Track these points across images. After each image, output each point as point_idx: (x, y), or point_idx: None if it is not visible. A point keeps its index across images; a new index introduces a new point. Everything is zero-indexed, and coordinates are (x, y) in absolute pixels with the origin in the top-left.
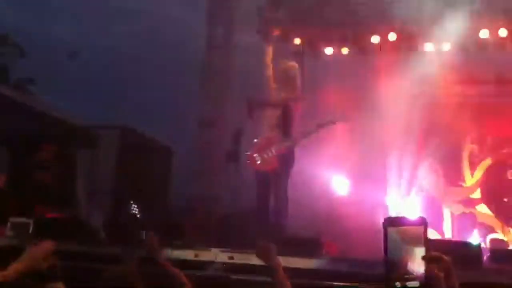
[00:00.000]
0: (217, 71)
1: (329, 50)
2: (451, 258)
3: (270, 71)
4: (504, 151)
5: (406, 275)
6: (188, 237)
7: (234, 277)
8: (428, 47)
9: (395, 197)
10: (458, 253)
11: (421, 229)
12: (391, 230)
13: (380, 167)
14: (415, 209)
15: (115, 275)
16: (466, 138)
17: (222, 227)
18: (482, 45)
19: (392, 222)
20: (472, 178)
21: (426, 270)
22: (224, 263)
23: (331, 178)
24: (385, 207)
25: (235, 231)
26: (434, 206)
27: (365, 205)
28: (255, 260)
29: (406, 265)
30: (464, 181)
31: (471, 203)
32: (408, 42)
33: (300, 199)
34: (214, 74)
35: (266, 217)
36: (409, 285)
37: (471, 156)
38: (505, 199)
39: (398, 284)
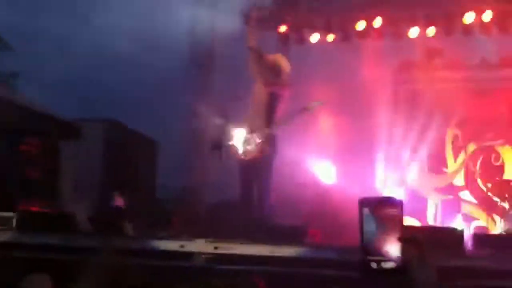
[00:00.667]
0: (201, 60)
1: (314, 37)
2: (433, 244)
3: (256, 60)
4: (488, 135)
5: (381, 256)
6: (173, 228)
7: (219, 267)
8: (413, 32)
9: (381, 184)
10: (441, 238)
11: (396, 210)
12: (367, 211)
13: (365, 154)
14: (400, 196)
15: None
16: (450, 123)
17: (207, 217)
18: (466, 29)
19: (368, 202)
20: (455, 163)
21: (401, 251)
22: (209, 254)
23: (316, 165)
24: (371, 194)
25: (219, 222)
26: (418, 194)
27: (351, 192)
28: (239, 250)
29: (381, 246)
30: (447, 167)
31: (454, 189)
32: (394, 28)
33: (284, 187)
34: (198, 63)
35: (250, 207)
36: (384, 266)
37: (454, 141)
38: (489, 185)
39: (373, 264)
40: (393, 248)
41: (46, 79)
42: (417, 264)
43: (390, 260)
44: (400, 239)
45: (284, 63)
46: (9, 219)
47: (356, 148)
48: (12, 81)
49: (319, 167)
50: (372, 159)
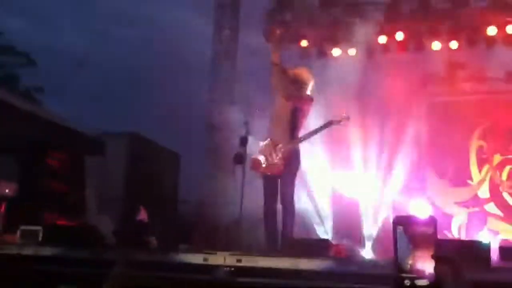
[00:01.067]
0: (223, 74)
1: (336, 51)
2: (460, 257)
3: (278, 74)
4: None
5: (415, 274)
6: (197, 241)
7: (241, 280)
8: (436, 45)
9: (403, 197)
10: (467, 252)
11: (430, 228)
12: (401, 229)
13: (387, 167)
14: (423, 210)
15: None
16: (474, 135)
17: (230, 231)
18: (490, 41)
19: (402, 221)
20: (479, 175)
21: (435, 269)
22: (232, 267)
23: (340, 178)
24: (393, 208)
25: (243, 235)
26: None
27: (373, 205)
28: (262, 263)
29: (415, 263)
30: (471, 178)
31: (480, 202)
32: (416, 41)
33: (308, 200)
34: (220, 77)
35: (273, 220)
36: (418, 283)
37: (478, 152)
38: None
39: (407, 282)
40: (426, 266)
41: (70, 94)
42: (451, 283)
43: (423, 277)
44: (433, 257)
45: (307, 76)
46: (36, 232)
47: (380, 161)
48: (37, 95)
49: (343, 180)
50: (397, 172)
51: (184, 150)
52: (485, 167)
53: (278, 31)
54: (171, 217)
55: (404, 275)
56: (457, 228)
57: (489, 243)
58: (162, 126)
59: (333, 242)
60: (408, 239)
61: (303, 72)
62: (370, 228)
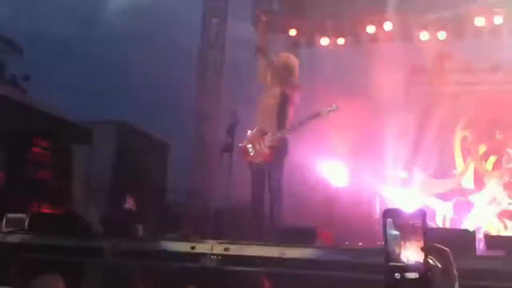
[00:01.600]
0: (212, 65)
1: (325, 41)
2: (446, 246)
3: (265, 61)
4: (498, 137)
5: (405, 267)
6: (184, 230)
7: (229, 268)
8: (424, 35)
9: (391, 187)
10: (452, 241)
11: (419, 220)
12: (390, 222)
13: (376, 157)
14: (412, 200)
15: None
16: (458, 124)
17: (218, 220)
18: (477, 33)
19: (391, 213)
20: (464, 165)
21: (424, 261)
22: (219, 255)
23: (327, 168)
24: (382, 197)
25: (230, 224)
26: (426, 198)
27: (361, 194)
28: (249, 251)
29: (405, 256)
30: (455, 169)
31: (464, 193)
32: (404, 32)
33: (295, 190)
34: (209, 67)
35: (261, 209)
36: (408, 277)
37: (462, 142)
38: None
39: (397, 275)
40: (416, 258)
41: (57, 82)
42: (441, 275)
43: (414, 270)
44: (423, 249)
45: (294, 62)
46: (21, 220)
47: (367, 151)
48: (24, 84)
49: (330, 169)
50: (383, 162)
51: (172, 139)
52: (469, 158)
53: (264, 18)
54: (159, 205)
55: (393, 265)
56: (442, 218)
57: (474, 232)
58: (150, 115)
59: (320, 231)
60: (397, 231)
61: (289, 58)
62: (356, 217)
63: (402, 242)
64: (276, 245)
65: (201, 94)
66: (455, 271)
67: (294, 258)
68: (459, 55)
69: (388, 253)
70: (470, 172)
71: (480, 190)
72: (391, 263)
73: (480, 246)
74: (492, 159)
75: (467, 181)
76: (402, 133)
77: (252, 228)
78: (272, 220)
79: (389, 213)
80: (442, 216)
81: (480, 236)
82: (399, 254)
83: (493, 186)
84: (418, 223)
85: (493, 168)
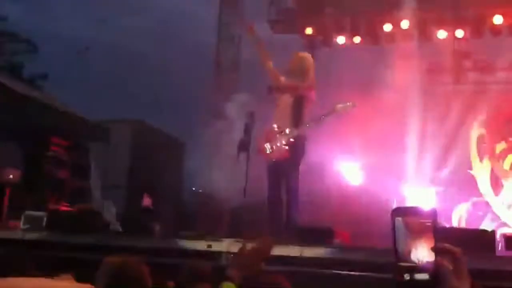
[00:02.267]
0: (228, 63)
1: (341, 39)
2: (464, 246)
3: (273, 68)
4: None
5: (415, 267)
6: (201, 228)
7: None
8: (441, 34)
9: (410, 187)
10: (471, 241)
11: (430, 220)
12: (399, 221)
13: (395, 156)
14: (430, 200)
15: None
16: (475, 123)
17: (234, 218)
18: (495, 31)
19: (400, 212)
20: (480, 164)
21: (435, 262)
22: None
23: (344, 166)
24: (400, 197)
25: (247, 222)
26: (447, 197)
27: (379, 194)
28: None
29: (415, 256)
30: (471, 168)
31: (481, 192)
32: (421, 30)
33: (312, 188)
34: (225, 66)
35: (278, 208)
36: (417, 277)
37: (479, 141)
38: None
39: (407, 276)
40: (426, 258)
41: (74, 81)
42: (452, 276)
43: (424, 271)
44: (434, 249)
45: (310, 62)
46: (40, 218)
47: (384, 150)
48: (41, 82)
49: (347, 168)
50: (401, 161)
51: (188, 137)
52: (486, 157)
53: (252, 31)
54: (175, 204)
55: (403, 265)
56: (457, 219)
57: (494, 231)
58: (166, 114)
59: (337, 230)
60: (407, 231)
61: (305, 57)
62: (374, 217)
63: (412, 242)
64: (294, 244)
65: (217, 92)
66: (467, 272)
67: (312, 257)
68: (477, 53)
69: (398, 253)
70: (487, 172)
71: (497, 190)
72: (401, 263)
73: (499, 247)
74: (510, 158)
75: (483, 182)
76: (419, 131)
77: (269, 227)
78: (289, 219)
79: (398, 212)
80: (458, 216)
81: (500, 235)
82: (409, 254)
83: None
84: (429, 222)
85: (511, 168)
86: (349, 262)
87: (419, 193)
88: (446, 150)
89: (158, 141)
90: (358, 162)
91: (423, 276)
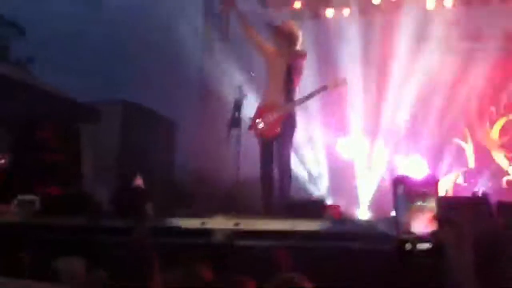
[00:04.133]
0: (217, 39)
1: (330, 12)
2: (463, 215)
3: (270, 33)
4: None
5: (416, 236)
6: (194, 207)
7: (239, 243)
8: (430, 3)
9: (402, 158)
10: (467, 209)
11: (432, 188)
12: (401, 189)
13: (383, 128)
14: (423, 169)
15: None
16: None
17: (227, 196)
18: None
19: (402, 181)
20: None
21: (436, 231)
22: (229, 230)
23: (336, 141)
24: (392, 168)
25: (240, 199)
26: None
27: (369, 166)
28: (260, 225)
29: (416, 226)
30: (464, 139)
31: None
32: (410, 0)
33: (305, 163)
34: (214, 42)
35: (270, 183)
36: (419, 247)
37: (470, 110)
38: None
39: (408, 245)
40: (428, 227)
41: (63, 63)
42: (454, 246)
43: (425, 241)
44: (435, 218)
45: (297, 30)
46: (32, 201)
47: (377, 123)
48: (28, 66)
49: (340, 142)
50: (394, 133)
51: (179, 117)
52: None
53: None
54: (167, 184)
55: (404, 236)
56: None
57: (489, 200)
58: (156, 94)
59: (329, 203)
60: (408, 199)
61: (292, 26)
62: (366, 189)
63: (414, 212)
64: (286, 219)
65: (207, 70)
66: (468, 241)
67: (304, 231)
68: (467, 22)
69: (399, 223)
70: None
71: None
72: (402, 234)
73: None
74: (498, 125)
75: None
76: (412, 102)
77: (262, 202)
78: (281, 194)
79: (400, 181)
80: (445, 187)
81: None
82: (410, 224)
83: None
84: (431, 190)
85: (499, 136)
86: (342, 235)
87: (411, 164)
88: (438, 121)
89: (149, 121)
90: (351, 136)
91: (425, 246)
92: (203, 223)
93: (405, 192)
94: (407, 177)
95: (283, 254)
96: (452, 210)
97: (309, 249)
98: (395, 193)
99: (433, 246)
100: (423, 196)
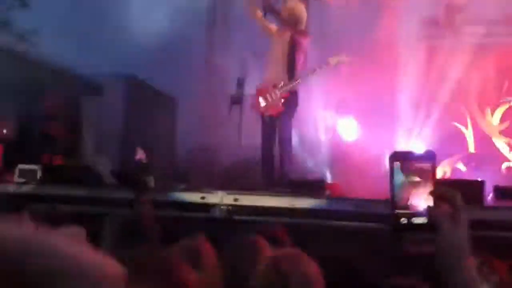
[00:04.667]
0: (220, 18)
1: None
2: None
3: (273, 14)
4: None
5: (412, 211)
6: (195, 182)
7: (238, 218)
8: None
9: (404, 139)
10: (460, 191)
11: (429, 163)
12: (397, 165)
13: (388, 110)
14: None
15: (128, 218)
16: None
17: (227, 171)
18: None
19: (399, 156)
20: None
21: (432, 207)
22: (229, 205)
23: (338, 120)
24: (392, 150)
25: (240, 175)
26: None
27: (372, 147)
28: (259, 202)
29: (412, 201)
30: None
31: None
32: None
33: (305, 141)
34: (217, 20)
35: (271, 160)
36: (415, 221)
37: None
38: None
39: (403, 220)
40: (425, 204)
41: (67, 35)
42: (449, 222)
43: (421, 215)
44: (432, 194)
45: (301, 10)
46: (34, 171)
47: (378, 104)
48: (31, 38)
49: (341, 122)
50: (395, 115)
51: (181, 93)
52: (477, 113)
53: None
54: (169, 159)
55: (400, 211)
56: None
57: (483, 182)
58: (159, 70)
59: (329, 182)
60: (405, 175)
61: (296, 5)
62: (365, 167)
63: (410, 188)
64: (286, 196)
65: (210, 48)
66: (465, 216)
67: (303, 208)
68: (470, 6)
69: (395, 199)
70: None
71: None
72: (398, 210)
73: (489, 197)
74: (499, 112)
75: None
76: (413, 85)
77: (262, 179)
78: (282, 171)
79: (396, 156)
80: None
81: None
82: (406, 200)
83: (500, 143)
84: (428, 165)
85: (500, 122)
86: (340, 213)
87: (411, 146)
88: (443, 105)
89: (151, 97)
90: (352, 116)
91: (421, 220)
92: (203, 198)
93: (401, 168)
94: (403, 152)
95: (281, 230)
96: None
97: (306, 226)
98: (391, 169)
99: (428, 220)
100: (420, 171)
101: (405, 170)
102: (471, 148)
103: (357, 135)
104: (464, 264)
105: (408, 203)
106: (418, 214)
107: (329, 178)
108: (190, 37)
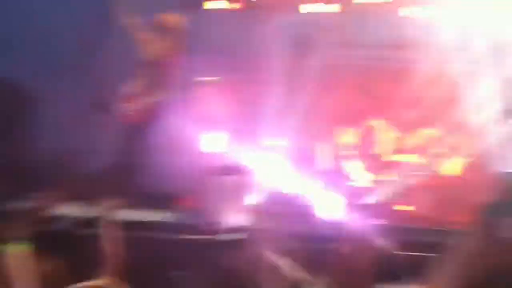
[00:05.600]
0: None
1: (208, 4)
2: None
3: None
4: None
5: (227, 227)
6: (47, 190)
7: (86, 231)
8: (307, 8)
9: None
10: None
11: (242, 178)
12: (215, 180)
13: (255, 126)
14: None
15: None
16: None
17: (84, 182)
18: (360, 9)
19: (216, 171)
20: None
21: (249, 221)
22: (76, 217)
23: (200, 135)
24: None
25: (97, 187)
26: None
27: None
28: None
29: (225, 215)
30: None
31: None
32: (288, 2)
33: (169, 155)
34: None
35: (128, 171)
36: (227, 237)
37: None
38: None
39: (217, 235)
40: (240, 218)
41: None
42: (261, 238)
43: (236, 231)
44: (250, 210)
45: (176, 21)
46: None
47: (246, 119)
48: None
49: (205, 138)
50: (261, 131)
51: (40, 94)
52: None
53: None
54: (21, 165)
55: (214, 227)
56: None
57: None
58: (23, 69)
59: (181, 196)
60: (220, 189)
61: (172, 18)
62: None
63: (224, 201)
64: (138, 209)
65: (81, 48)
66: (277, 232)
67: (150, 221)
68: (344, 29)
69: (209, 213)
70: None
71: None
72: (210, 224)
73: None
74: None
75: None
76: (283, 104)
77: (118, 190)
78: (138, 184)
79: (214, 171)
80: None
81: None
82: (221, 214)
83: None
84: (241, 180)
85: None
86: (176, 225)
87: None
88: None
89: (9, 95)
90: (220, 131)
91: (235, 236)
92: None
93: (219, 182)
94: (222, 166)
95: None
96: (276, 204)
97: (150, 239)
98: (209, 183)
99: (245, 236)
100: (234, 186)
101: (223, 185)
102: (323, 165)
103: (222, 148)
104: None
105: (222, 217)
106: (233, 230)
107: (187, 191)
108: (60, 36)
